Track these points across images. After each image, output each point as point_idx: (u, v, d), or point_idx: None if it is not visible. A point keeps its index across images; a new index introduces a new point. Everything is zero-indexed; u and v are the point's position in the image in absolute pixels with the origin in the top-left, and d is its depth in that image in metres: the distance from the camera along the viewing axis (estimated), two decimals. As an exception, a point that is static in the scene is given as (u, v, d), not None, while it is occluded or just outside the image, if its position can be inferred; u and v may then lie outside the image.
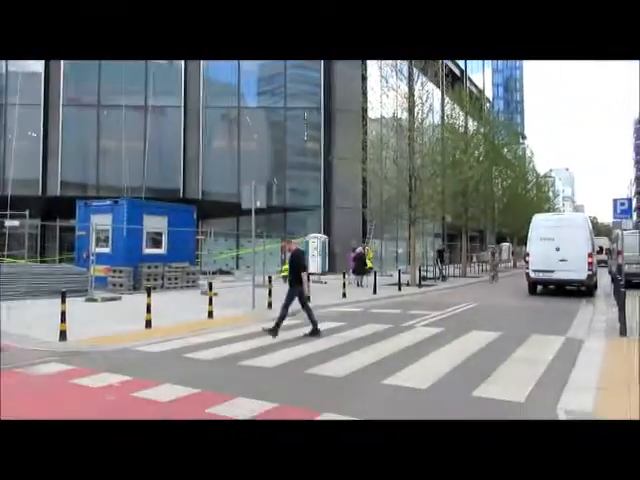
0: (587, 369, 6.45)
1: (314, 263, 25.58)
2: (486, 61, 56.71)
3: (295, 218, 30.46)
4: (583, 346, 8.01)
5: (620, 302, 9.47)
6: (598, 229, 65.94)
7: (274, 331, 8.85)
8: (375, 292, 16.73)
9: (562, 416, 4.63)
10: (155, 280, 17.04)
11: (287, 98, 30.13)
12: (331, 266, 26.82)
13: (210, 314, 10.81)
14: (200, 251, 22.54)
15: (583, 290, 16.56)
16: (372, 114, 24.84)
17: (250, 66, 30.05)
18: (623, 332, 8.83)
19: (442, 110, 28.34)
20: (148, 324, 9.40)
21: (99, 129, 28.97)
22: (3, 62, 28.25)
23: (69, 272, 15.81)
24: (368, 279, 19.43)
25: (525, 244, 19.63)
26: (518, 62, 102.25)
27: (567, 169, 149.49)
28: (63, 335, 8.09)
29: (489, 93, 59.96)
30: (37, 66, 28.42)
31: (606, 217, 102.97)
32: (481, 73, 54.82)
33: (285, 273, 21.53)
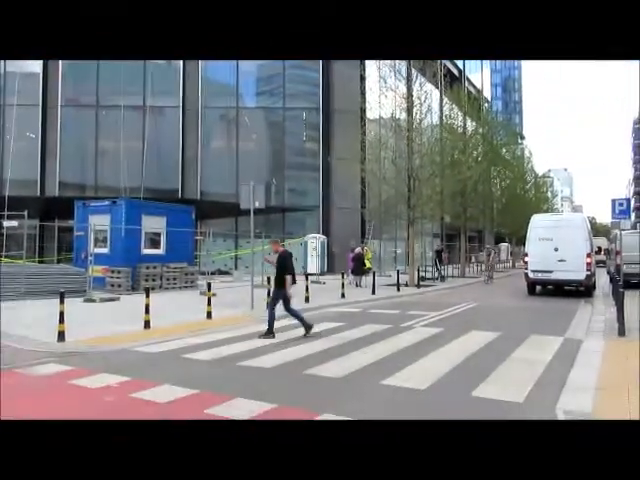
0: (586, 369, 6.45)
1: (313, 263, 25.58)
2: (484, 61, 56.84)
3: (294, 218, 30.46)
4: (582, 346, 8.02)
5: (618, 302, 9.49)
6: (596, 229, 66.10)
7: (269, 333, 8.85)
8: (374, 292, 16.73)
9: (561, 416, 4.63)
10: (154, 280, 17.03)
11: (286, 98, 30.15)
12: (330, 266, 26.83)
13: (209, 314, 10.80)
14: (199, 251, 22.52)
15: (582, 290, 16.58)
16: (371, 114, 24.84)
17: (249, 66, 30.05)
18: (622, 332, 8.84)
19: (440, 110, 28.37)
20: (147, 325, 9.39)
21: (97, 129, 28.94)
22: (1, 62, 28.18)
23: (67, 272, 15.79)
24: (367, 279, 19.44)
25: (524, 244, 19.65)
26: (516, 62, 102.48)
27: (565, 169, 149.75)
28: (61, 336, 8.08)
29: (487, 93, 60.07)
30: (35, 66, 28.39)
31: (605, 217, 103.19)
32: (479, 73, 54.91)
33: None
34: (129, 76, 27.83)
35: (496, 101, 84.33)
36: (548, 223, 17.24)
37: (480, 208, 31.89)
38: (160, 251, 18.34)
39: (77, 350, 7.65)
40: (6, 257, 18.92)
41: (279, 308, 9.20)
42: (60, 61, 27.97)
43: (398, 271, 19.88)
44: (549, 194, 52.72)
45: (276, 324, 9.15)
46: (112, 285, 16.30)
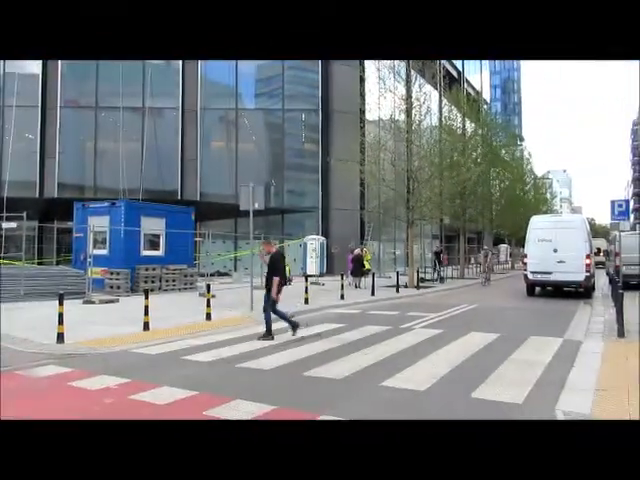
0: (585, 371, 6.46)
1: (312, 265, 25.58)
2: (483, 63, 56.87)
3: (293, 220, 30.47)
4: (581, 347, 8.02)
5: (618, 303, 9.49)
6: (596, 230, 66.14)
7: (268, 335, 8.84)
8: (373, 294, 16.73)
9: (560, 417, 4.63)
10: (153, 282, 17.02)
11: (285, 100, 30.16)
12: (329, 268, 26.82)
13: (208, 316, 10.79)
14: (198, 253, 22.51)
15: (581, 291, 16.59)
16: (370, 116, 24.88)
17: (248, 68, 30.08)
18: (621, 333, 8.85)
19: (440, 112, 28.42)
20: (146, 326, 9.37)
21: (96, 131, 28.94)
22: (1, 63, 28.18)
23: (66, 274, 15.78)
24: (366, 281, 19.44)
25: (523, 246, 19.66)
26: (516, 64, 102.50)
27: (565, 170, 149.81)
28: (61, 337, 8.07)
29: (487, 95, 60.11)
30: (34, 67, 28.39)
31: (604, 218, 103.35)
32: (479, 75, 54.95)
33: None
34: (128, 77, 27.85)
35: (495, 102, 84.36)
36: (547, 224, 17.25)
37: (479, 209, 31.91)
38: (159, 253, 18.32)
39: (76, 352, 7.64)
40: (5, 259, 18.89)
41: (278, 309, 9.20)
42: (59, 62, 28.00)
43: (397, 272, 19.88)
44: (548, 195, 52.75)
45: (275, 326, 9.14)
46: (111, 287, 16.28)
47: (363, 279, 20.09)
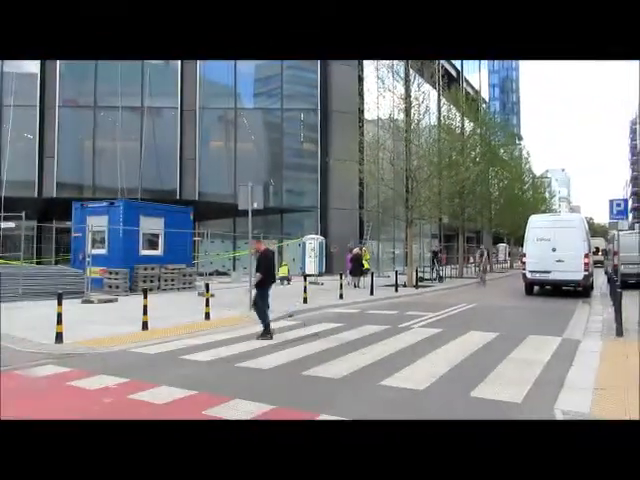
0: (584, 370, 6.47)
1: (311, 264, 25.57)
2: (482, 62, 56.87)
3: (292, 219, 30.47)
4: (580, 346, 8.03)
5: (616, 302, 9.51)
6: (594, 230, 66.21)
7: (267, 334, 8.83)
8: (372, 293, 16.74)
9: (559, 416, 4.64)
10: (151, 282, 17.01)
11: (284, 99, 30.14)
12: (328, 267, 26.82)
13: (207, 315, 10.79)
14: (197, 252, 22.49)
15: (579, 291, 16.61)
16: (369, 115, 24.87)
17: (247, 67, 30.06)
18: (619, 332, 8.86)
19: (438, 111, 28.36)
20: (145, 326, 9.37)
21: (95, 130, 28.91)
22: (-1, 63, 28.17)
23: (65, 274, 15.77)
24: (365, 280, 19.45)
25: (521, 245, 19.68)
26: (514, 63, 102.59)
27: (563, 170, 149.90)
28: (59, 337, 8.06)
29: (485, 94, 60.15)
30: (33, 67, 28.35)
31: (602, 218, 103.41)
32: (477, 74, 54.96)
33: (282, 274, 21.62)
34: (127, 77, 27.82)
35: (494, 102, 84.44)
36: (546, 223, 17.28)
37: (478, 209, 31.93)
38: (158, 252, 18.31)
39: (75, 351, 7.63)
40: (3, 258, 18.87)
41: (277, 309, 9.20)
42: (58, 62, 27.95)
43: (396, 272, 19.88)
44: (547, 194, 52.72)
45: (273, 325, 9.14)
46: (110, 286, 16.28)
47: (362, 278, 20.09)
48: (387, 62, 20.91)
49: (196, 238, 22.17)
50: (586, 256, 15.97)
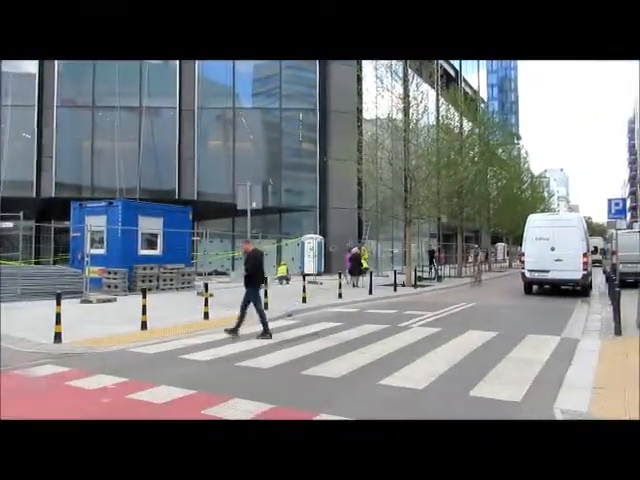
0: (583, 368, 6.47)
1: (310, 264, 25.57)
2: (481, 62, 56.86)
3: (290, 219, 30.45)
4: (578, 346, 8.04)
5: (615, 301, 9.52)
6: (593, 229, 66.19)
7: (265, 334, 8.84)
8: (371, 292, 16.75)
9: (558, 415, 4.64)
10: (150, 281, 17.00)
11: (282, 99, 30.10)
12: (327, 267, 26.82)
13: (206, 315, 10.78)
14: (196, 252, 22.47)
15: (578, 290, 16.63)
16: (367, 115, 24.87)
17: (245, 67, 30.02)
18: (618, 331, 8.87)
19: (437, 111, 28.37)
20: (144, 326, 9.36)
21: (93, 130, 28.86)
22: (-2, 63, 28.09)
23: (64, 273, 15.75)
24: (364, 280, 19.45)
25: (520, 244, 19.70)
26: (513, 63, 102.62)
27: (562, 169, 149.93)
28: (58, 337, 8.05)
29: (484, 94, 60.17)
30: (31, 67, 28.28)
31: (601, 217, 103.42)
32: (476, 74, 54.96)
33: (281, 274, 21.62)
34: (125, 77, 27.76)
35: (492, 101, 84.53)
36: (544, 223, 17.29)
37: (476, 208, 31.94)
38: (157, 252, 18.30)
39: (74, 351, 7.63)
40: (2, 259, 18.85)
41: (276, 308, 9.20)
42: (56, 61, 27.88)
43: (395, 271, 19.88)
44: (545, 194, 52.72)
45: (273, 324, 9.14)
46: (109, 286, 16.26)
47: (361, 278, 20.10)
48: (386, 62, 20.90)
49: (195, 238, 22.15)
50: (585, 255, 16.00)
